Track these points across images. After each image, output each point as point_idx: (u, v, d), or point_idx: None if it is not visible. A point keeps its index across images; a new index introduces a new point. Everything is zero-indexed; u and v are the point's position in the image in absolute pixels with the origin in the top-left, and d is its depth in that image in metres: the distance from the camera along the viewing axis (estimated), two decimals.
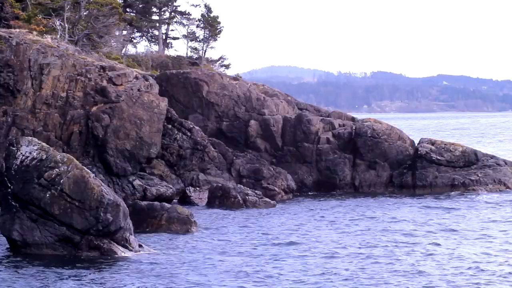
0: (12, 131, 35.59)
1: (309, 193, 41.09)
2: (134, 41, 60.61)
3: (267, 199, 36.31)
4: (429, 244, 25.77)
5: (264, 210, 34.56)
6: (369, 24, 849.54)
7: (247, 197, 35.70)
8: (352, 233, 28.32)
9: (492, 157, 43.26)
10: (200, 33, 59.62)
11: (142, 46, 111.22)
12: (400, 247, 25.31)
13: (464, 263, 22.83)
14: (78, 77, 37.45)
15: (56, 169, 23.56)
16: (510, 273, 21.45)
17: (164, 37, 61.43)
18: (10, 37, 36.87)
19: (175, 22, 61.21)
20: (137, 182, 36.54)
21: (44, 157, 23.75)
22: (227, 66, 60.32)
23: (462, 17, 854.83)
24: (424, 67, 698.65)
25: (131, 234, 24.48)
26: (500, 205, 35.62)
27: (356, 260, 23.23)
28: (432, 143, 42.34)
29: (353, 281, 20.57)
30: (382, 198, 38.86)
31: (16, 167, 23.67)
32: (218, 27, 59.21)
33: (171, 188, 37.19)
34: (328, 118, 43.72)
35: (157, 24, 61.23)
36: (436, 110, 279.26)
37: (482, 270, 21.82)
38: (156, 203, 30.55)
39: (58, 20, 42.04)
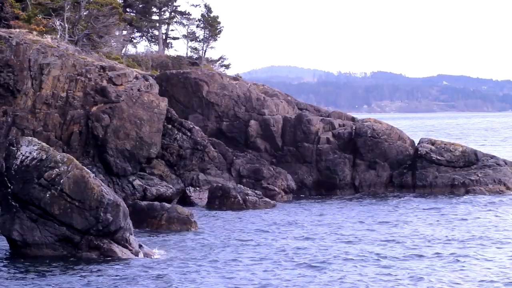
0: (12, 131, 35.58)
1: (309, 193, 41.05)
2: (134, 41, 60.70)
3: (267, 199, 36.30)
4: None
5: (264, 210, 34.55)
6: (369, 24, 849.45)
7: (247, 197, 35.69)
8: (351, 234, 28.34)
9: (492, 157, 43.20)
10: (200, 33, 59.72)
11: (142, 46, 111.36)
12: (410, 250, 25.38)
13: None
14: (78, 77, 37.44)
15: (56, 169, 23.55)
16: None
17: (164, 37, 61.44)
18: (10, 37, 36.86)
19: (175, 22, 61.28)
20: (137, 182, 36.53)
21: (44, 157, 23.73)
22: (227, 66, 60.36)
23: (462, 17, 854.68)
24: (424, 67, 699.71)
25: (131, 234, 24.48)
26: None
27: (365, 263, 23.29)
28: (432, 143, 42.32)
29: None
30: (383, 198, 38.89)
31: (16, 167, 23.66)
32: (218, 27, 59.23)
33: (171, 188, 37.17)
34: (328, 118, 43.70)
35: (157, 24, 61.25)
36: (436, 110, 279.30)
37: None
38: (156, 203, 30.57)
39: (58, 20, 42.03)
